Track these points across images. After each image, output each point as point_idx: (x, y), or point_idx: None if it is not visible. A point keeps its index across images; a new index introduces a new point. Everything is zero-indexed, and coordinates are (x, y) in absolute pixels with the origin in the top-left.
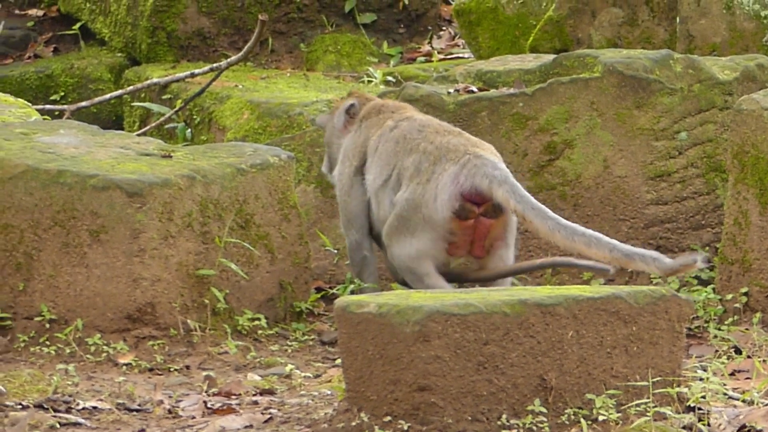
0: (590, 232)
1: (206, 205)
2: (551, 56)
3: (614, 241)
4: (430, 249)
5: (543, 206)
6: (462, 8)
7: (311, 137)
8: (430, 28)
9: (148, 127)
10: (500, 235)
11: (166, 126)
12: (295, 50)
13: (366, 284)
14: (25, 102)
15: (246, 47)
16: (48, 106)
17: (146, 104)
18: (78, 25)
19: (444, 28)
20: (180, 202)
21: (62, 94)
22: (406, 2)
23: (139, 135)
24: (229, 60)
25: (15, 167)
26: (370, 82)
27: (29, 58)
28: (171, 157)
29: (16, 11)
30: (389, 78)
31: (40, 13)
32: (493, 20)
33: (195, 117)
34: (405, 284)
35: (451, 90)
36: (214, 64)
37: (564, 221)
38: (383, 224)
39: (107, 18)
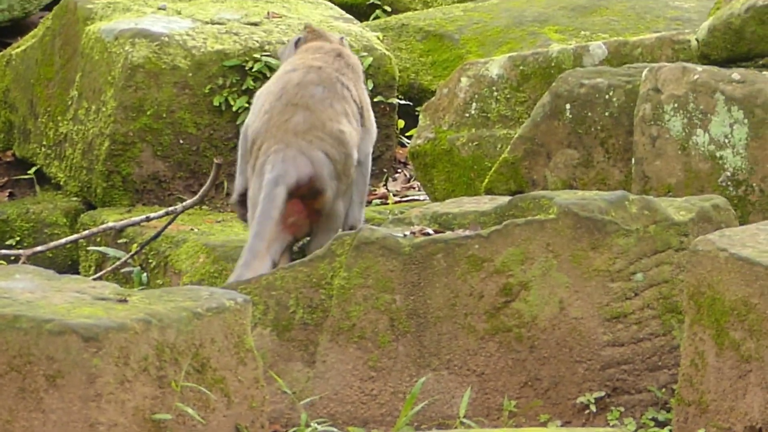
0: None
1: (162, 349)
2: (507, 198)
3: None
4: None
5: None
6: (417, 151)
7: (267, 280)
8: (385, 170)
9: (103, 272)
10: (321, 212)
11: (122, 270)
12: None
13: None
14: None
15: (201, 191)
16: (3, 251)
17: (102, 249)
18: (33, 169)
19: (399, 170)
20: (136, 346)
21: (18, 238)
22: None
23: (95, 279)
24: (184, 204)
25: None
26: None
27: None
28: (127, 301)
29: None
30: None
31: None
32: (448, 162)
33: (151, 261)
34: None
35: (407, 232)
36: (170, 208)
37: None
38: None
39: (62, 162)
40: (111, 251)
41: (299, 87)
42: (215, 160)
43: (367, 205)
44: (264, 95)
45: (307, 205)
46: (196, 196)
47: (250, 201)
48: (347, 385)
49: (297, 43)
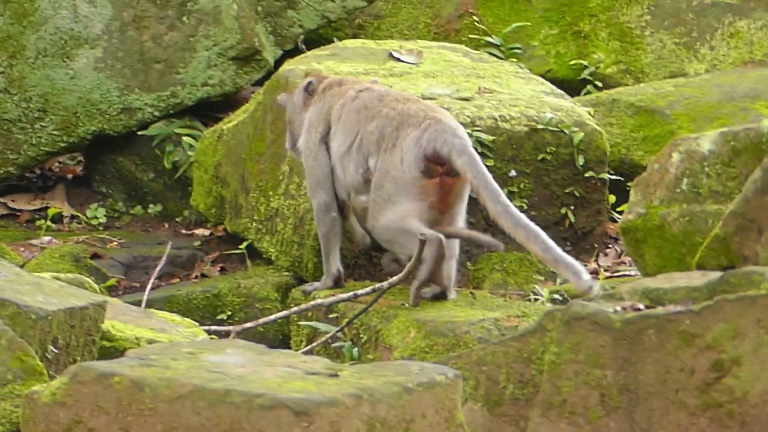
0: (533, 226)
1: (373, 424)
2: (718, 273)
3: (550, 243)
4: (412, 210)
5: (497, 187)
6: (628, 226)
7: (478, 356)
8: (596, 245)
9: (313, 344)
10: (460, 192)
11: (333, 345)
12: (461, 268)
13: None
14: (192, 321)
15: (406, 268)
16: (215, 327)
17: (313, 323)
18: (245, 244)
19: (610, 245)
20: (347, 421)
21: (229, 313)
22: (573, 220)
23: (305, 354)
24: (390, 281)
25: (182, 387)
26: (536, 299)
27: (196, 277)
28: (338, 376)
29: (183, 231)
30: (555, 296)
31: (207, 232)
32: (659, 238)
33: (362, 336)
34: (375, 249)
35: (618, 308)
36: (377, 285)
37: (513, 209)
38: (347, 189)
39: (273, 237)
40: (322, 326)
41: (386, 92)
42: (419, 236)
43: None
44: (351, 112)
45: (443, 185)
46: (401, 273)
47: (389, 179)
48: None
49: (308, 87)
